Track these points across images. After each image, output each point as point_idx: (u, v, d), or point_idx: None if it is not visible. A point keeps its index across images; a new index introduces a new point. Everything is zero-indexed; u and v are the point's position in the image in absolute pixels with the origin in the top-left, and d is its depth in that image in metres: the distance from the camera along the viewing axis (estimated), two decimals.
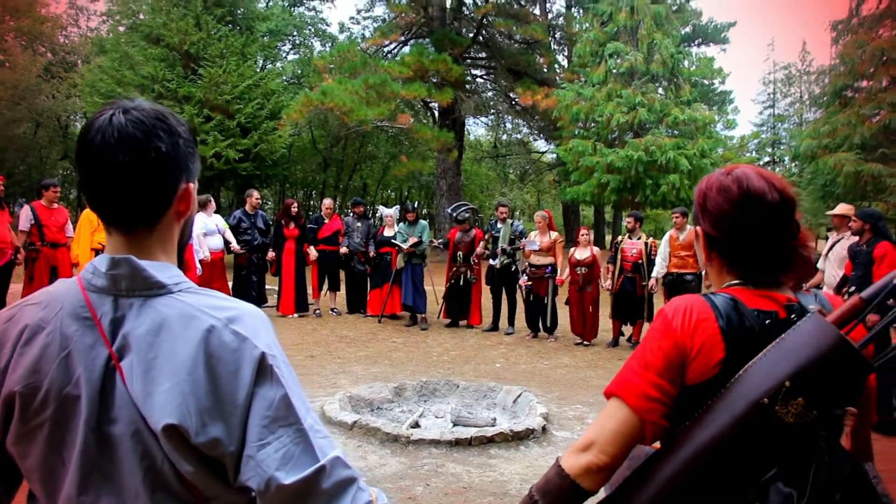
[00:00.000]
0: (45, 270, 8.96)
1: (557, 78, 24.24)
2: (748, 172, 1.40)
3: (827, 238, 8.90)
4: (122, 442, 1.08)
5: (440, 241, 11.40)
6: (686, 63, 19.44)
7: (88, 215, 9.45)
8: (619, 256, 9.45)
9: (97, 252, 9.25)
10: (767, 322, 1.32)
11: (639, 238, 9.45)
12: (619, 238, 9.77)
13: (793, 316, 1.33)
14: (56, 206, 9.39)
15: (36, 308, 1.14)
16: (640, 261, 9.28)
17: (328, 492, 1.09)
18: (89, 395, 1.08)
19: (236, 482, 1.10)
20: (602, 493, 1.42)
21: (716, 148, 18.43)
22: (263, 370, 1.10)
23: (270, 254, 11.00)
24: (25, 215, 9.03)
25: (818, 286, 7.55)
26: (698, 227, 1.49)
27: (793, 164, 34.09)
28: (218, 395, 1.07)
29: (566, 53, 28.57)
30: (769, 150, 39.72)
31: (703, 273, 8.61)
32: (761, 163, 39.00)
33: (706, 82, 28.90)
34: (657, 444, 1.37)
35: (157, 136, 1.13)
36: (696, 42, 32.42)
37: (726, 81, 31.42)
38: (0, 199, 8.52)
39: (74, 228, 9.53)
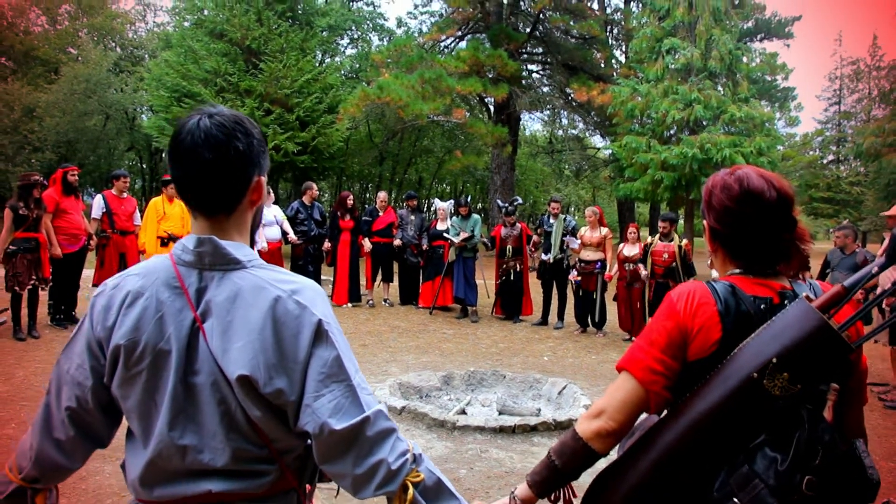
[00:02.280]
0: (115, 256, 9.45)
1: (614, 73, 24.09)
2: (749, 172, 1.56)
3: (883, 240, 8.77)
4: (204, 390, 1.33)
5: (485, 240, 11.58)
6: (745, 59, 19.07)
7: (155, 205, 9.94)
8: (649, 260, 9.00)
9: (162, 240, 9.73)
10: (762, 307, 1.49)
11: (671, 240, 8.90)
12: (650, 240, 9.19)
13: (785, 301, 1.49)
14: (125, 195, 9.87)
15: (136, 278, 1.39)
16: (674, 264, 8.74)
17: (371, 438, 1.33)
18: (178, 350, 1.32)
19: (295, 427, 1.34)
20: (613, 455, 1.61)
21: (775, 146, 18.08)
22: (320, 334, 1.33)
23: (326, 244, 11.34)
24: (97, 204, 9.54)
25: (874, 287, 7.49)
26: (705, 221, 1.66)
27: (857, 163, 33.11)
28: (282, 353, 1.30)
29: (623, 49, 28.34)
30: (833, 147, 38.59)
31: None
32: (825, 161, 37.98)
33: (768, 78, 28.26)
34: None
35: (235, 137, 1.37)
36: (759, 37, 31.68)
37: (789, 77, 30.62)
38: (74, 188, 8.96)
39: (142, 217, 10.02)
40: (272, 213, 10.62)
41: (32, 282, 7.98)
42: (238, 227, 1.44)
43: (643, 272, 8.87)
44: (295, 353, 1.32)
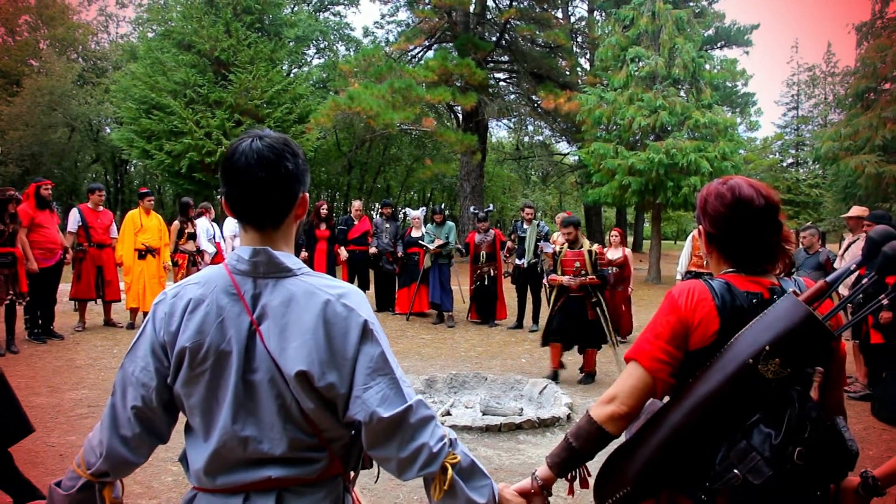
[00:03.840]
0: (92, 270, 9.44)
1: (580, 81, 24.49)
2: (740, 182, 1.76)
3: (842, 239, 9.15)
4: (262, 386, 1.47)
5: (459, 246, 11.75)
6: (707, 66, 19.57)
7: (132, 217, 9.94)
8: (559, 270, 7.67)
9: (140, 252, 9.74)
10: (754, 301, 1.68)
11: (581, 247, 7.65)
12: (557, 248, 7.90)
13: (774, 296, 1.69)
14: (101, 208, 9.85)
15: (196, 286, 1.53)
16: (584, 272, 7.51)
17: (414, 425, 1.49)
18: (238, 351, 1.47)
19: (344, 417, 1.49)
20: (623, 437, 1.79)
21: (737, 150, 18.56)
22: (366, 333, 1.49)
23: (303, 254, 11.41)
24: (73, 217, 9.51)
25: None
26: (700, 226, 1.85)
27: (815, 166, 33.98)
28: (333, 350, 1.46)
29: (588, 57, 28.80)
30: (793, 151, 39.53)
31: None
32: (785, 164, 38.90)
33: (729, 84, 28.93)
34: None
35: (285, 157, 1.52)
36: (719, 44, 32.40)
37: (749, 83, 31.36)
38: (48, 202, 8.92)
39: (118, 230, 10.01)
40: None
41: (10, 297, 7.94)
42: (285, 238, 1.59)
43: (565, 280, 7.52)
44: (344, 350, 1.47)
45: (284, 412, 1.48)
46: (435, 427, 1.54)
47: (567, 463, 1.78)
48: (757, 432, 1.55)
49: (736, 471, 1.54)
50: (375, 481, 1.81)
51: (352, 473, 1.65)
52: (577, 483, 1.86)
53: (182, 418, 1.60)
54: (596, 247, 7.82)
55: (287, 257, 1.54)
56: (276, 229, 1.56)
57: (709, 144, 17.46)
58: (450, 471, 1.52)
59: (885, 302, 1.67)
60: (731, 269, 1.78)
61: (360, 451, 1.62)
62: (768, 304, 1.66)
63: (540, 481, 1.79)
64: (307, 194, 1.61)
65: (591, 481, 1.84)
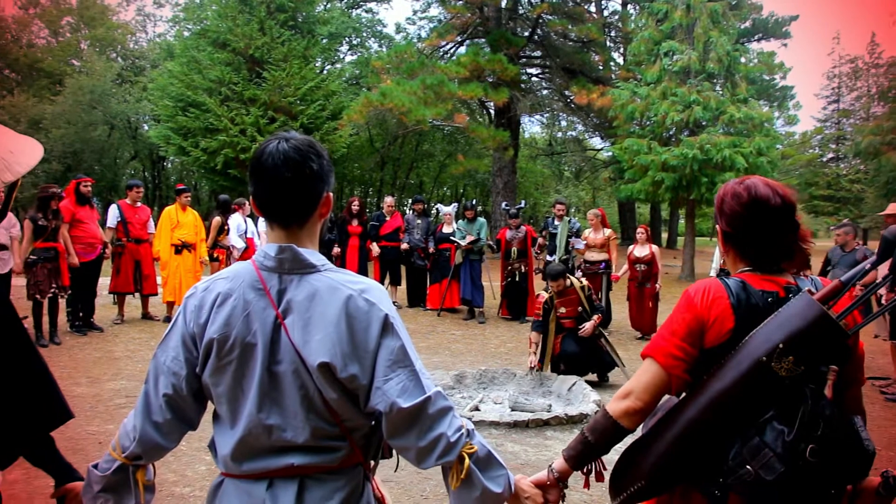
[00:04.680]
0: (130, 264, 9.69)
1: (612, 76, 24.30)
2: (756, 182, 1.78)
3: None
4: (286, 377, 1.54)
5: (490, 242, 11.77)
6: (743, 60, 19.24)
7: (169, 213, 10.16)
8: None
9: (176, 247, 9.96)
10: (769, 300, 1.70)
11: (570, 286, 7.44)
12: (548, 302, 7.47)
13: (790, 295, 1.71)
14: (139, 204, 10.08)
15: (225, 281, 1.60)
16: (581, 309, 7.40)
17: (433, 415, 1.55)
18: (263, 343, 1.54)
19: (366, 407, 1.55)
20: (639, 432, 1.82)
21: (773, 145, 18.24)
22: (387, 327, 1.55)
23: (336, 249, 11.54)
24: (112, 213, 9.76)
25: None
26: (717, 226, 1.87)
27: (856, 161, 33.27)
28: (355, 343, 1.52)
29: (621, 52, 28.57)
30: (833, 145, 38.76)
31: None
32: (825, 159, 38.15)
33: (766, 78, 28.46)
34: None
35: (310, 158, 1.58)
36: (756, 37, 31.96)
37: (787, 76, 30.88)
38: (88, 199, 9.17)
39: (156, 225, 10.24)
40: None
41: (52, 290, 8.18)
42: (310, 235, 1.65)
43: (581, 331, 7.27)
44: (366, 343, 1.53)
45: (307, 402, 1.54)
46: (453, 417, 1.59)
47: (583, 456, 1.82)
48: (770, 429, 1.57)
49: (749, 467, 1.56)
50: (395, 470, 1.87)
51: (372, 462, 1.70)
52: (592, 476, 1.90)
53: (211, 406, 1.67)
54: (585, 280, 7.72)
55: (311, 254, 1.60)
56: (301, 227, 1.62)
57: (744, 140, 17.18)
58: (467, 460, 1.57)
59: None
60: (747, 268, 1.81)
61: (379, 441, 1.68)
62: (784, 303, 1.67)
63: (556, 473, 1.83)
64: (331, 194, 1.67)
65: (607, 475, 1.87)
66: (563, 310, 7.35)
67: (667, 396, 1.78)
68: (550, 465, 1.85)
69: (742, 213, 1.77)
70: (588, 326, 7.21)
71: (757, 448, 1.56)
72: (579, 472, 1.87)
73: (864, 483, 1.76)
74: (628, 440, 1.83)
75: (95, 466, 1.66)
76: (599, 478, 1.89)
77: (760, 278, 1.76)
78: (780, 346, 1.57)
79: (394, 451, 1.71)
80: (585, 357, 7.28)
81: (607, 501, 4.16)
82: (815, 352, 1.59)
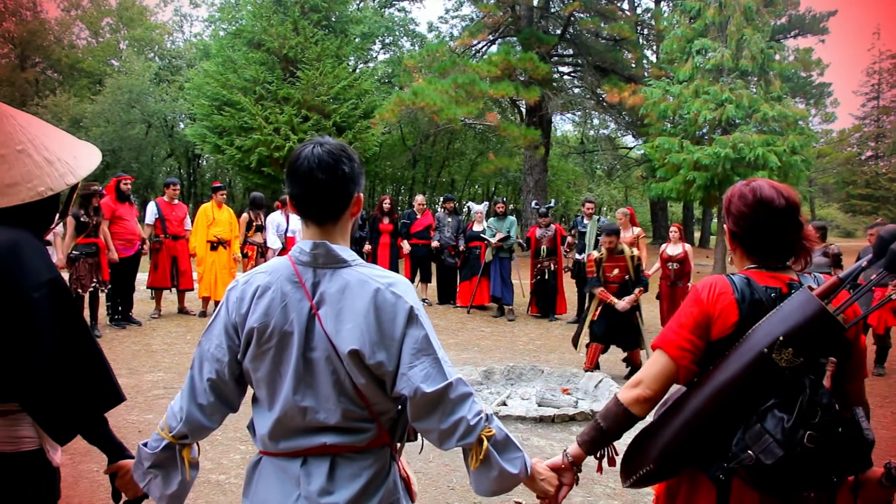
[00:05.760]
0: (168, 260, 9.98)
1: (645, 74, 24.17)
2: (762, 184, 1.88)
3: None
4: (319, 363, 1.68)
5: (520, 241, 11.85)
6: (777, 57, 19.01)
7: (205, 210, 10.43)
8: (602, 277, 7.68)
9: (212, 244, 10.22)
10: (773, 295, 1.80)
11: (621, 252, 7.62)
12: (599, 256, 7.74)
13: (793, 291, 1.80)
14: (176, 202, 10.36)
15: (264, 275, 1.75)
16: (627, 277, 7.56)
17: (454, 400, 1.67)
18: (299, 332, 1.68)
19: (392, 392, 1.69)
20: (649, 419, 1.93)
21: (808, 144, 18.01)
22: (412, 318, 1.68)
23: (367, 247, 11.72)
24: (151, 210, 10.06)
25: None
26: (725, 225, 1.97)
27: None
28: (382, 333, 1.65)
29: (654, 49, 28.39)
30: (872, 143, 38.05)
31: None
32: (863, 157, 37.46)
33: (802, 75, 28.07)
34: None
35: (342, 161, 1.72)
36: (793, 33, 31.51)
37: (825, 73, 30.38)
38: (127, 196, 9.45)
39: (192, 222, 10.51)
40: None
41: (94, 284, 8.48)
42: (342, 232, 1.79)
43: (619, 305, 7.40)
44: (392, 332, 1.66)
45: (339, 386, 1.68)
46: (472, 403, 1.71)
47: (596, 441, 1.94)
48: (771, 416, 1.67)
49: (750, 451, 1.66)
50: (420, 452, 2.00)
51: (398, 444, 1.84)
52: (605, 461, 2.01)
53: (250, 391, 1.82)
54: (637, 252, 7.86)
55: (343, 250, 1.73)
56: (333, 225, 1.76)
57: (778, 138, 17.02)
58: (485, 443, 1.69)
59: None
60: (753, 266, 1.91)
61: (405, 425, 1.81)
62: (786, 298, 1.77)
63: (570, 458, 1.95)
64: (362, 194, 1.81)
65: (619, 460, 1.99)
66: (614, 272, 7.58)
67: (675, 387, 1.88)
68: (565, 450, 1.97)
69: (747, 214, 1.87)
70: (626, 301, 7.41)
71: (758, 434, 1.66)
72: (592, 456, 1.99)
73: (868, 473, 1.85)
74: (639, 427, 1.94)
75: (145, 445, 1.82)
76: (612, 462, 2.00)
77: (765, 275, 1.86)
78: (781, 338, 1.67)
79: (419, 435, 1.83)
80: (616, 332, 7.53)
81: (628, 494, 4.27)
82: (814, 344, 1.69)
